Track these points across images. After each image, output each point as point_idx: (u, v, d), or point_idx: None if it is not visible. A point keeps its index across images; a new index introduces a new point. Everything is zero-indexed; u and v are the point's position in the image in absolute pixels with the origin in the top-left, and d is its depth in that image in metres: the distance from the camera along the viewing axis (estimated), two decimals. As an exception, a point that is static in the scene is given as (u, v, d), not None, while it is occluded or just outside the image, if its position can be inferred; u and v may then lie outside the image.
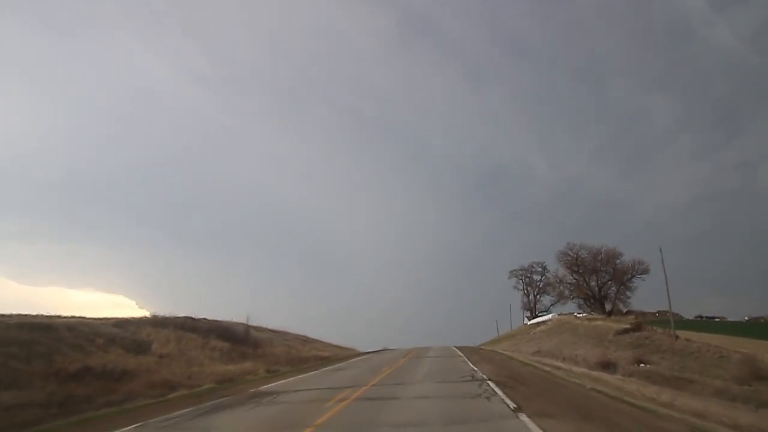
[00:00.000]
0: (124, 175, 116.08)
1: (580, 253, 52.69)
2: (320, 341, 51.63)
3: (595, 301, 51.32)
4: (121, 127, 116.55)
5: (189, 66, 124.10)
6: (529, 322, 64.63)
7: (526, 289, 76.19)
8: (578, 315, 53.20)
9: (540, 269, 75.14)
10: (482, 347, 48.30)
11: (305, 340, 42.67)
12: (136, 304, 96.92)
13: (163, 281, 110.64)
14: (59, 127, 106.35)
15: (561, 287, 57.61)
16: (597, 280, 51.27)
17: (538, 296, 74.63)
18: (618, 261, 50.02)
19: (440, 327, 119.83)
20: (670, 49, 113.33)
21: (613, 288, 50.42)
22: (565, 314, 52.63)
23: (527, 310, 75.98)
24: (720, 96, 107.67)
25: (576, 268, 52.98)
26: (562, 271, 56.81)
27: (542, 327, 47.21)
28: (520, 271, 76.28)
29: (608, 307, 50.37)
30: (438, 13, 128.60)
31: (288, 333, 45.70)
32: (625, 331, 31.48)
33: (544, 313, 73.39)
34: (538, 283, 75.07)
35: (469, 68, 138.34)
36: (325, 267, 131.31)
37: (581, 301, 54.71)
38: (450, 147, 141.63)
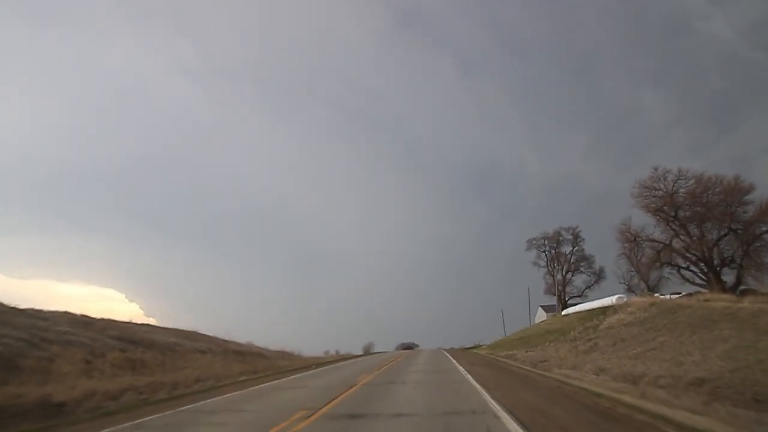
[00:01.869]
0: (113, 168, 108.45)
1: (677, 186, 30.52)
2: (220, 340, 29.72)
3: (708, 270, 29.38)
4: (110, 121, 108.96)
5: (177, 60, 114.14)
6: (564, 312, 42.36)
7: (551, 266, 54.12)
8: (662, 296, 31.15)
9: (571, 237, 53.08)
10: (504, 358, 26.00)
11: (144, 345, 19.85)
12: (126, 297, 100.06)
13: (154, 275, 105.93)
14: (46, 120, 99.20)
15: (635, 249, 35.34)
16: (702, 233, 29.21)
17: (569, 274, 52.61)
18: (744, 201, 27.92)
19: (436, 324, 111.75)
20: (664, 42, 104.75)
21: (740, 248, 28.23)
22: (645, 295, 30.33)
23: (553, 294, 53.92)
24: (714, 90, 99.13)
25: (673, 214, 30.66)
26: (636, 219, 33.64)
27: (618, 317, 25.05)
28: (542, 241, 54.18)
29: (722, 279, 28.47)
30: (431, 5, 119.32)
31: (134, 327, 23.25)
32: None
33: (578, 299, 51.41)
34: (569, 257, 52.97)
35: (461, 62, 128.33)
36: (316, 264, 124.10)
37: (666, 272, 32.70)
38: (442, 142, 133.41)
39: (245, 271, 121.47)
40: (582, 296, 51.81)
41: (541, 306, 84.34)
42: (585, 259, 51.95)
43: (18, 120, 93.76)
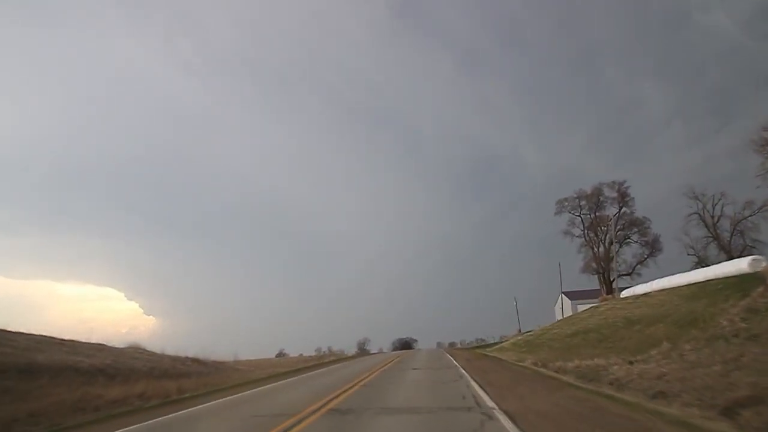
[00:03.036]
0: (110, 164, 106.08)
1: None
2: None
3: None
4: (107, 116, 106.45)
5: (175, 52, 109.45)
6: (627, 293, 28.63)
7: (589, 236, 40.47)
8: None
9: (616, 194, 39.39)
10: (613, 390, 11.94)
11: None
12: (125, 296, 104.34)
13: (153, 273, 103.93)
14: (43, 116, 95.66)
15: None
16: None
17: (615, 245, 38.96)
18: None
19: (435, 318, 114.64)
20: (664, 34, 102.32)
21: None
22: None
23: (592, 272, 40.29)
24: (714, 82, 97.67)
25: None
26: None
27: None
28: (577, 201, 40.50)
29: None
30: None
31: None
32: None
33: (627, 277, 37.77)
34: (614, 220, 39.35)
35: (461, 56, 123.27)
36: (315, 260, 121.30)
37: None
38: (441, 136, 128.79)
39: (244, 269, 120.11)
40: (632, 274, 38.29)
41: (563, 293, 70.62)
42: (637, 224, 38.39)
43: (17, 118, 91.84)
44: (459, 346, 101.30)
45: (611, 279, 38.46)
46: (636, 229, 38.38)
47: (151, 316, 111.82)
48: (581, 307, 54.75)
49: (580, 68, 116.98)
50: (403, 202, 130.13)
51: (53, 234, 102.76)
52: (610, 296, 31.10)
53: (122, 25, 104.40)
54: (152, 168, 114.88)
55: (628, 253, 39.01)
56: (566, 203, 40.02)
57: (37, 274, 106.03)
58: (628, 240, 38.22)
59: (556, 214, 40.59)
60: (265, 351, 72.61)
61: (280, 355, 74.31)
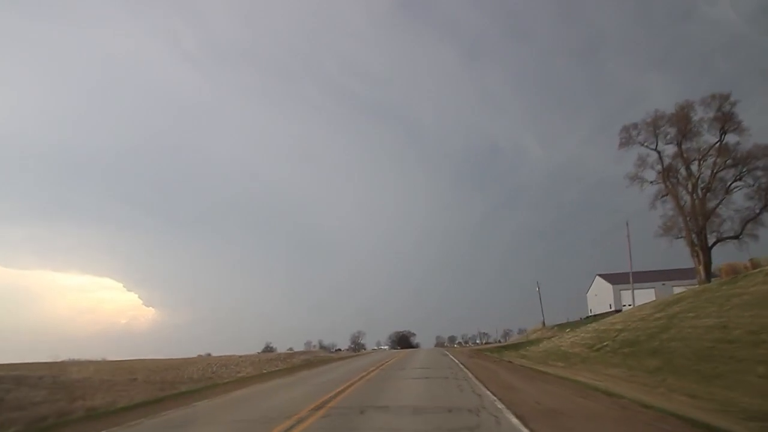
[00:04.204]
0: (109, 155, 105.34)
1: None
2: None
3: None
4: (108, 107, 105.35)
5: (177, 45, 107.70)
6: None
7: (671, 180, 26.61)
8: None
9: (715, 115, 25.40)
10: None
11: None
12: (124, 287, 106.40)
13: (153, 264, 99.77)
14: (43, 107, 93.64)
15: None
16: None
17: (714, 192, 25.15)
18: None
19: (435, 311, 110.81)
20: (670, 26, 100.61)
21: None
22: None
23: (676, 235, 26.46)
24: (718, 75, 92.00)
25: None
26: None
27: None
28: (653, 128, 26.57)
29: None
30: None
31: None
32: None
33: (732, 242, 24.15)
34: (713, 151, 25.57)
35: (463, 48, 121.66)
36: (314, 254, 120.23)
37: None
38: (443, 129, 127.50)
39: (244, 263, 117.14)
40: (740, 237, 24.58)
41: (599, 275, 56.71)
42: (748, 160, 24.49)
43: (14, 107, 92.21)
44: (460, 341, 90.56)
45: (705, 245, 24.85)
46: (746, 169, 24.71)
47: (150, 308, 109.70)
48: (628, 294, 41.31)
49: (583, 60, 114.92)
50: (404, 194, 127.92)
51: (53, 224, 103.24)
52: (737, 267, 17.80)
53: (123, 18, 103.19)
54: (153, 159, 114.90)
55: (731, 205, 25.26)
56: (636, 131, 26.21)
57: (37, 263, 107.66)
58: (738, 183, 24.52)
59: (620, 147, 26.69)
60: (258, 345, 68.80)
61: (268, 349, 67.21)
